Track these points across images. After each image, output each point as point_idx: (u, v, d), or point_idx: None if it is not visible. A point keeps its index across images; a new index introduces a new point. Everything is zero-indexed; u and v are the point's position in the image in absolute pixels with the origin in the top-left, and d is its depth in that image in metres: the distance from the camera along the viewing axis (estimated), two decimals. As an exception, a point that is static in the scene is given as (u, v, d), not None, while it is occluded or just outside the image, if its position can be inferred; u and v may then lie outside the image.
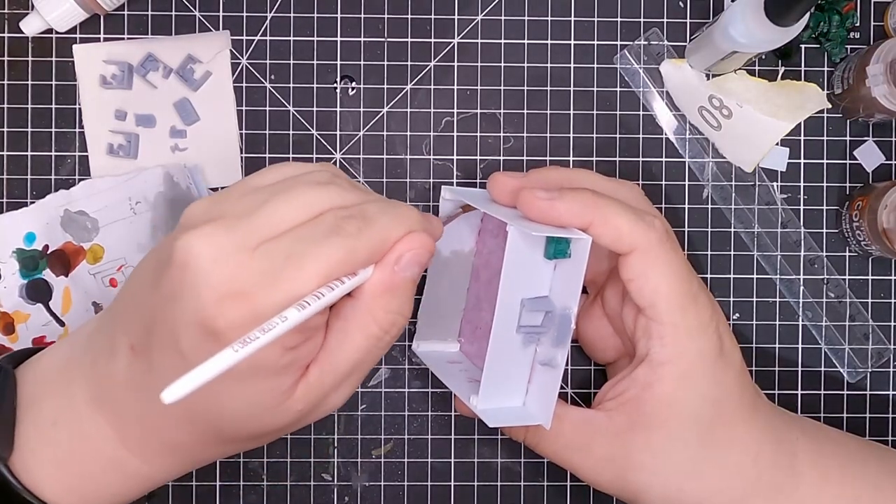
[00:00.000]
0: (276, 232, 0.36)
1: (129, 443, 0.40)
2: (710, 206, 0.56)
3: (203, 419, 0.38)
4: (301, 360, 0.37)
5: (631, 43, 0.55)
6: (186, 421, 0.38)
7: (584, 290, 0.53)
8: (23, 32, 0.53)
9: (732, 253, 0.56)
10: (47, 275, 0.53)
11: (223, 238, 0.35)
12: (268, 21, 0.55)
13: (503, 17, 0.55)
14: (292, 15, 0.55)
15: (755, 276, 0.56)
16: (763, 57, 0.55)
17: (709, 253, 0.55)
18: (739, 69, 0.54)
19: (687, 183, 0.56)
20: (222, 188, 0.54)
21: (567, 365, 0.55)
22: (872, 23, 0.56)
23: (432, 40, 0.55)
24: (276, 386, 0.37)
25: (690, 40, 0.55)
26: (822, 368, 0.56)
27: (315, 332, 0.38)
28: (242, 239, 0.35)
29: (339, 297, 0.36)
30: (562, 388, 0.55)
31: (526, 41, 0.55)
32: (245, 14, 0.55)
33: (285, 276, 0.35)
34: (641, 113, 0.56)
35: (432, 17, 0.55)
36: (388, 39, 0.55)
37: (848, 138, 0.56)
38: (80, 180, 0.54)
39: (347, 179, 0.40)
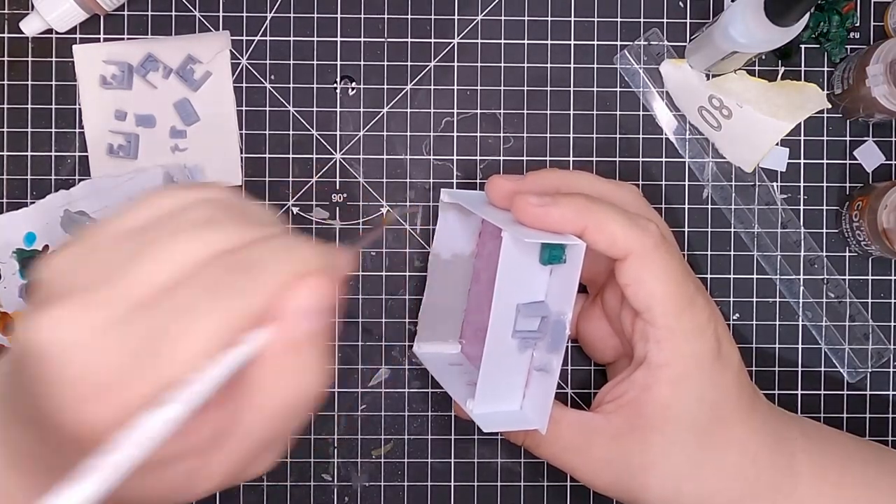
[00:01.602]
0: (145, 298, 0.30)
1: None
2: (710, 206, 0.55)
3: (116, 498, 0.32)
4: (212, 438, 0.32)
5: (631, 43, 0.55)
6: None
7: (585, 290, 0.53)
8: (23, 32, 0.53)
9: (732, 253, 0.56)
10: (47, 275, 0.53)
11: (80, 319, 0.29)
12: (268, 21, 0.55)
13: (503, 18, 0.55)
14: (292, 15, 0.55)
15: (755, 276, 0.56)
16: (763, 57, 0.55)
17: (709, 253, 0.55)
18: (739, 69, 0.54)
19: (687, 183, 0.56)
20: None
21: (567, 365, 0.55)
22: (872, 23, 0.56)
23: (432, 40, 0.55)
24: (190, 466, 0.32)
25: (690, 40, 0.55)
26: (822, 368, 0.56)
27: (225, 400, 0.32)
28: (105, 315, 0.30)
29: (232, 371, 0.31)
30: (562, 388, 0.55)
31: (526, 41, 0.55)
32: (245, 14, 0.55)
33: (161, 357, 0.29)
34: (641, 113, 0.55)
35: (432, 17, 0.55)
36: (388, 39, 0.55)
37: (848, 138, 0.56)
38: (80, 180, 0.54)
39: (232, 207, 0.34)
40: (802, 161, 0.56)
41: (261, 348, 0.31)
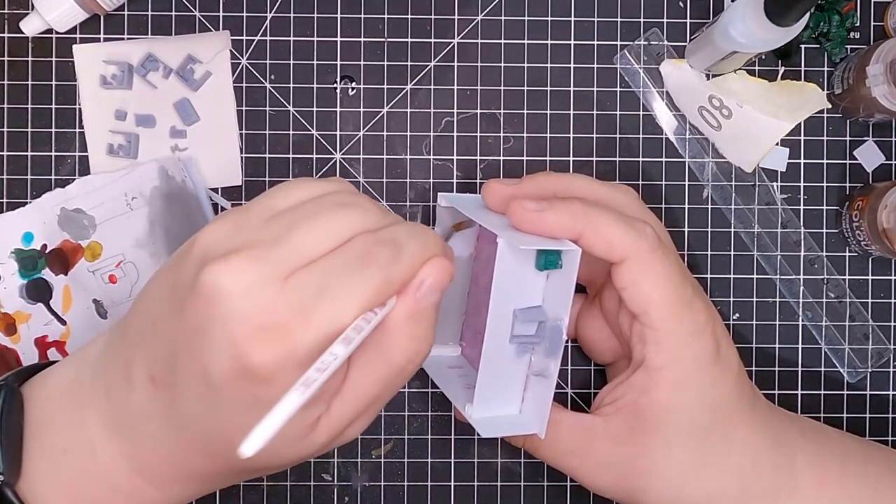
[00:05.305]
0: (306, 261, 0.35)
1: (145, 472, 0.39)
2: (710, 206, 0.56)
3: (228, 451, 0.36)
4: (326, 394, 0.36)
5: (631, 43, 0.55)
6: (210, 453, 0.37)
7: (584, 290, 0.53)
8: (23, 32, 0.53)
9: (732, 253, 0.56)
10: (46, 274, 0.53)
11: (252, 270, 0.34)
12: (268, 21, 0.55)
13: (503, 18, 0.55)
14: (292, 15, 0.55)
15: (755, 276, 0.56)
16: (763, 57, 0.55)
17: (709, 253, 0.55)
18: (739, 69, 0.54)
19: (687, 183, 0.56)
20: (228, 193, 0.55)
21: (567, 366, 0.55)
22: (872, 23, 0.56)
23: (432, 40, 0.55)
24: (302, 420, 0.36)
25: (690, 40, 0.55)
26: (822, 368, 0.56)
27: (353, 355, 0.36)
28: (272, 270, 0.34)
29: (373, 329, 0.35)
30: (562, 389, 0.55)
31: (526, 41, 0.55)
32: (245, 14, 0.55)
33: (321, 310, 0.34)
34: (641, 113, 0.55)
35: (432, 17, 0.55)
36: (388, 39, 0.55)
37: (848, 138, 0.56)
38: (79, 180, 0.54)
39: (366, 197, 0.38)
40: (802, 161, 0.56)
41: (390, 313, 0.36)
